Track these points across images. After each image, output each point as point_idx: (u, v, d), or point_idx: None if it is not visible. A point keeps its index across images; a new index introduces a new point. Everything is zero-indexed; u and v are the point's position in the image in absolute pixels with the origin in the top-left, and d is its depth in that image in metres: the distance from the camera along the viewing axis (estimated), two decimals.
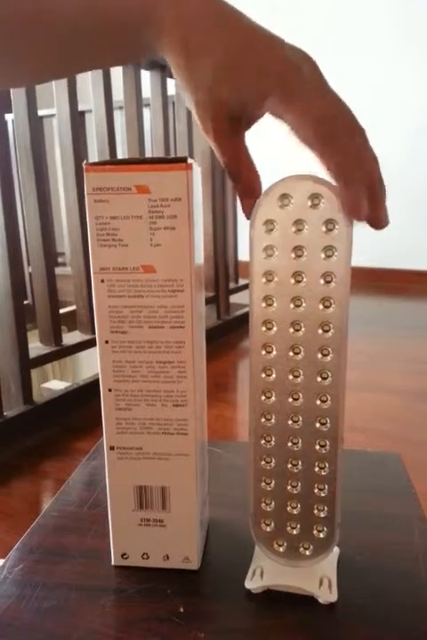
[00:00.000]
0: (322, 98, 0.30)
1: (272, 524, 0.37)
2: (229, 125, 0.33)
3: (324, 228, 0.32)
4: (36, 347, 1.32)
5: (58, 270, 1.51)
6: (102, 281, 0.36)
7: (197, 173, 0.36)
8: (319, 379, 0.34)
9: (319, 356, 0.34)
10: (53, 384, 1.73)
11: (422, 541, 0.43)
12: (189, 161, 0.34)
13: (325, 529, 0.36)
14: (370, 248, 2.99)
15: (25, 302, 1.47)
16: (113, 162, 0.34)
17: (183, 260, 0.35)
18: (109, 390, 0.37)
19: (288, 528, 0.37)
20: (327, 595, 0.36)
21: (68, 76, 0.42)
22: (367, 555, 0.41)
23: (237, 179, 0.34)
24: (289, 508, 0.36)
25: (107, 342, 0.36)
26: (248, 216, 0.33)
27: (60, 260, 2.73)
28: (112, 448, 0.38)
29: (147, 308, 0.36)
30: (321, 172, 0.31)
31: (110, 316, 0.36)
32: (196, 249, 0.35)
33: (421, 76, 2.85)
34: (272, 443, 0.36)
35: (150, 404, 0.37)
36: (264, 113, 0.32)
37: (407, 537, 0.43)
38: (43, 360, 1.30)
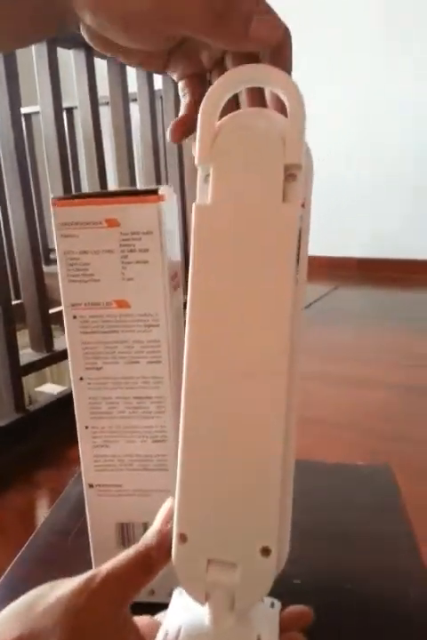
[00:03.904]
0: None
1: None
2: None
3: None
4: (27, 353, 1.31)
5: (50, 268, 1.48)
6: (75, 317, 0.34)
7: (171, 201, 0.35)
8: None
9: None
10: (48, 388, 1.72)
11: (408, 562, 0.42)
12: (161, 192, 0.32)
13: None
14: (365, 239, 2.97)
15: (16, 302, 1.45)
16: (82, 195, 0.33)
17: (157, 293, 0.33)
18: (86, 427, 0.36)
19: None
20: None
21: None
22: (356, 577, 0.41)
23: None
24: None
25: (81, 379, 0.35)
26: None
27: (52, 256, 2.70)
28: (91, 486, 0.37)
29: (122, 344, 0.34)
30: None
31: (84, 353, 0.35)
32: (171, 280, 0.34)
33: (420, 66, 2.81)
34: None
35: (129, 441, 0.36)
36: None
37: (393, 558, 0.43)
38: (34, 367, 1.29)
